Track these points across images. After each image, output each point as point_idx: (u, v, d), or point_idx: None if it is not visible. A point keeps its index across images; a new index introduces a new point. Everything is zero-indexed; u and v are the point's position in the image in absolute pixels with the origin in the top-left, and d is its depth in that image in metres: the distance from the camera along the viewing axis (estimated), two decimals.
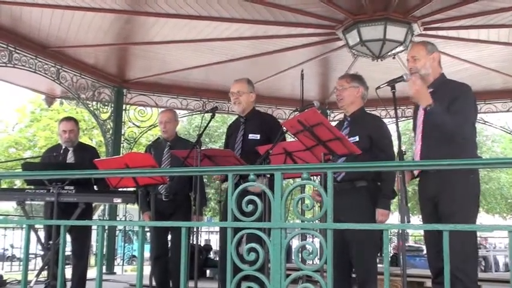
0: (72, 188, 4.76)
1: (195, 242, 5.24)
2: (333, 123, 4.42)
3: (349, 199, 4.08)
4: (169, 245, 5.63)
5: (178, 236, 5.26)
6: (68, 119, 5.92)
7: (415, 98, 3.70)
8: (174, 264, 5.28)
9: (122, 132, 9.71)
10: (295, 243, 5.18)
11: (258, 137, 4.84)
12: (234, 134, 5.03)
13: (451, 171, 3.48)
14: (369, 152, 4.09)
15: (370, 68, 7.51)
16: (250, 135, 4.88)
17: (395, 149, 3.88)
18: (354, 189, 4.16)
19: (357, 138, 4.18)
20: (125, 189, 5.09)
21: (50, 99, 10.10)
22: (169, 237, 5.66)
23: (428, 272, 3.88)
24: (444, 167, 2.56)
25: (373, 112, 9.29)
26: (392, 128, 4.49)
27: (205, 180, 5.70)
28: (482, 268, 15.21)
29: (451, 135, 3.58)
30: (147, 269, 5.29)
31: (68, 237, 5.61)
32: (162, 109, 10.02)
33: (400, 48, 6.63)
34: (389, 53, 6.73)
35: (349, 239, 4.10)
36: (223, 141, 5.58)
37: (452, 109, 3.61)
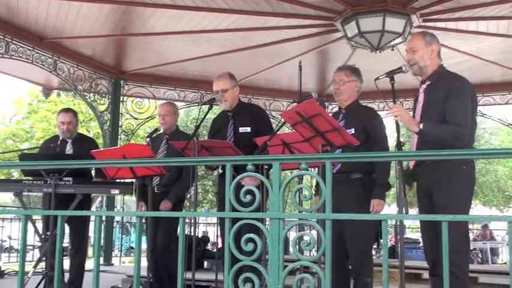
0: (70, 179, 4.74)
1: (192, 234, 5.24)
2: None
3: (344, 191, 4.09)
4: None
5: (164, 226, 5.26)
6: (67, 110, 5.90)
7: (404, 124, 3.69)
8: (162, 253, 5.28)
9: (120, 124, 9.69)
10: (293, 235, 5.18)
11: (248, 129, 4.84)
12: (222, 128, 5.00)
13: (444, 164, 3.47)
14: (364, 144, 4.09)
15: (368, 60, 7.49)
16: (240, 128, 4.88)
17: (394, 141, 3.88)
18: (349, 181, 4.20)
19: (352, 131, 4.18)
20: (122, 180, 5.08)
21: (47, 90, 10.07)
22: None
23: (425, 264, 3.88)
24: (442, 157, 2.55)
25: (371, 104, 9.32)
26: (391, 120, 4.48)
27: (202, 172, 5.68)
28: (479, 260, 15.25)
29: (452, 142, 3.55)
30: (144, 261, 5.29)
31: (66, 229, 5.62)
32: (160, 101, 10.09)
33: (399, 39, 6.61)
34: (388, 45, 6.71)
35: (345, 230, 4.11)
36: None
37: (447, 107, 3.58)
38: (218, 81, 4.99)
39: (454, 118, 3.56)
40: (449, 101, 3.60)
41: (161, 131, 5.77)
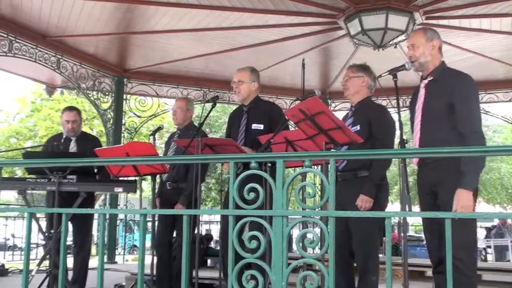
0: (73, 177, 4.75)
1: (196, 232, 5.24)
2: (336, 114, 4.41)
3: (351, 189, 4.08)
4: (174, 234, 5.62)
5: (180, 226, 5.28)
6: (71, 108, 5.91)
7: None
8: (180, 253, 5.28)
9: (123, 122, 9.72)
10: (296, 233, 5.17)
11: (261, 127, 4.79)
12: (236, 123, 4.97)
13: (450, 161, 3.46)
14: (369, 141, 4.09)
15: (371, 57, 7.49)
16: (253, 125, 4.83)
17: (396, 138, 3.88)
18: (356, 179, 4.16)
19: (358, 128, 4.17)
20: (126, 178, 5.09)
21: (51, 88, 10.10)
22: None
23: (428, 262, 3.87)
24: (444, 154, 2.55)
25: (374, 101, 9.33)
26: (394, 117, 4.48)
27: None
28: (483, 258, 15.23)
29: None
30: (147, 259, 5.29)
31: (70, 227, 5.63)
32: (163, 99, 10.12)
33: (402, 37, 6.60)
34: (390, 42, 6.70)
35: (351, 228, 4.11)
36: (224, 130, 5.53)
37: (462, 111, 3.57)
38: (238, 72, 4.97)
39: (471, 125, 3.55)
40: (461, 101, 3.57)
41: (164, 128, 5.79)
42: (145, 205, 13.51)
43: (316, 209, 2.61)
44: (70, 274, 5.49)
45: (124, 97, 9.73)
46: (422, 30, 3.95)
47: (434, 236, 3.59)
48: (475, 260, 3.61)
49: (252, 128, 4.81)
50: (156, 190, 5.31)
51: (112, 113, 9.55)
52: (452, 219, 2.22)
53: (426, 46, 3.78)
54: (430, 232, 3.70)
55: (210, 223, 16.51)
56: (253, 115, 4.88)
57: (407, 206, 3.37)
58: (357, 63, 4.65)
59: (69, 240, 6.08)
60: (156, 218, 5.51)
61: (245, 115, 4.92)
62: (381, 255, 4.43)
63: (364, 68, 4.47)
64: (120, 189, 4.89)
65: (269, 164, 3.92)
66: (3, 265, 7.95)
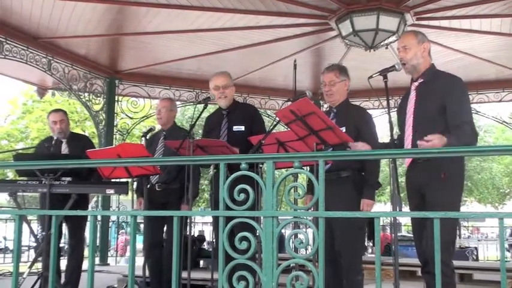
0: (65, 179, 4.73)
1: (188, 233, 5.24)
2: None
3: (334, 189, 4.09)
4: (164, 236, 5.61)
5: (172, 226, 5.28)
6: (56, 110, 5.97)
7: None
8: (169, 255, 5.27)
9: (115, 124, 9.69)
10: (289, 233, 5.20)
11: (242, 128, 4.86)
12: (216, 127, 5.01)
13: (437, 162, 3.49)
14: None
15: (362, 58, 7.52)
16: (234, 127, 4.89)
17: (387, 139, 3.90)
18: (339, 179, 4.21)
19: (344, 129, 4.19)
20: (117, 180, 5.08)
21: (42, 90, 10.07)
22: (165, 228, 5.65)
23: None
24: (435, 154, 2.57)
25: (365, 102, 9.36)
26: (384, 118, 4.50)
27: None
28: (474, 258, 15.27)
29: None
30: (139, 260, 5.28)
31: (64, 229, 5.62)
32: (155, 100, 10.08)
33: (393, 38, 6.63)
34: (382, 43, 6.72)
35: (334, 229, 4.13)
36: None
37: (452, 107, 3.60)
38: (219, 77, 4.99)
39: (463, 117, 3.58)
40: (452, 101, 3.60)
41: (156, 129, 5.77)
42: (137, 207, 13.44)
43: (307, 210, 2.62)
44: (64, 277, 5.48)
45: (116, 98, 9.69)
46: (413, 32, 3.97)
47: (420, 236, 3.63)
48: (452, 261, 3.65)
49: (234, 129, 4.87)
50: (137, 190, 5.27)
51: (104, 115, 9.52)
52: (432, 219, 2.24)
53: (418, 48, 3.81)
54: (417, 232, 3.74)
55: (203, 224, 16.48)
56: (234, 117, 4.94)
57: (397, 206, 3.40)
58: (334, 64, 4.64)
59: (63, 242, 6.06)
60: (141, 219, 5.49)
61: (226, 118, 4.97)
62: (372, 255, 4.46)
63: (345, 71, 4.49)
64: (112, 191, 4.87)
65: (261, 165, 3.94)
66: None
